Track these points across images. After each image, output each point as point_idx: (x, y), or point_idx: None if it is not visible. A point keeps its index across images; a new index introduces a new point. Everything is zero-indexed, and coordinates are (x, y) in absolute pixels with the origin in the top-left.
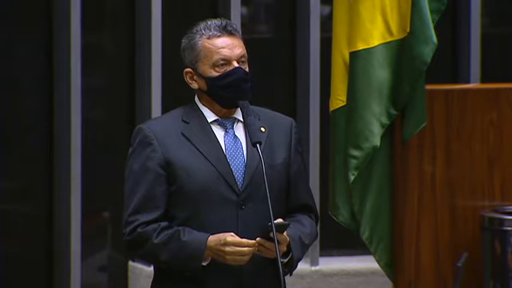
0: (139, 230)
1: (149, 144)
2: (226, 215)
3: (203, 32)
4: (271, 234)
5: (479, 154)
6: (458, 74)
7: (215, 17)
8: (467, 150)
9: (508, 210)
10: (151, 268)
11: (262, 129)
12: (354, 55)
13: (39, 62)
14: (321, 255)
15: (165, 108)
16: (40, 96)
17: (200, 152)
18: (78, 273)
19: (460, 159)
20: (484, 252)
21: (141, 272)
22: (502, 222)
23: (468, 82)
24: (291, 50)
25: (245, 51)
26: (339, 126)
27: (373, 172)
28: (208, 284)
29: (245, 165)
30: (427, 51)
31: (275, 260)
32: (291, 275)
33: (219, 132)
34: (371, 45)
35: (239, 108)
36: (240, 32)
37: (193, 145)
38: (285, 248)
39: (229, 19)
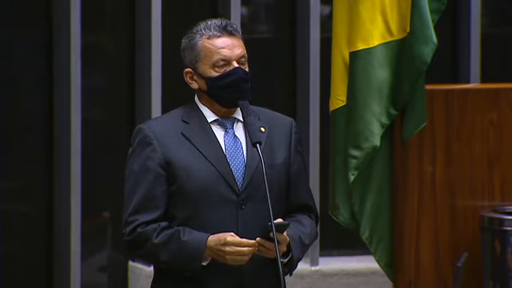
0: (139, 230)
1: (149, 144)
2: (226, 215)
3: (203, 32)
4: (271, 234)
5: (479, 154)
6: (458, 74)
7: (215, 17)
8: (467, 150)
9: (508, 210)
10: (151, 268)
11: (262, 129)
12: (354, 55)
13: (39, 62)
14: (321, 255)
15: (165, 108)
16: (40, 96)
17: (200, 152)
18: (78, 273)
19: (460, 159)
20: (484, 252)
21: (141, 272)
22: (501, 222)
23: (468, 82)
24: (291, 50)
25: (245, 51)
26: (339, 126)
27: (373, 172)
28: (208, 284)
29: (245, 165)
30: (427, 51)
31: (275, 260)
32: (291, 275)
33: (219, 132)
34: (371, 45)
35: (239, 108)
36: (240, 32)
37: (193, 145)
38: (285, 248)
39: (229, 19)
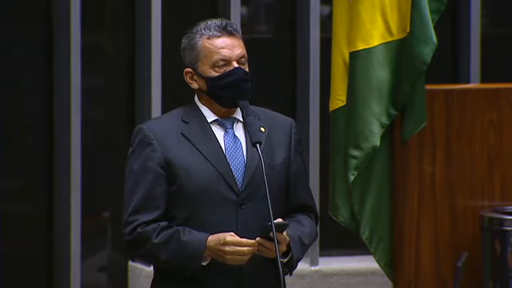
0: (139, 230)
1: (149, 144)
2: (226, 214)
3: (203, 32)
4: (271, 234)
5: (479, 154)
6: (458, 74)
7: (215, 17)
8: (467, 150)
9: (508, 210)
10: (151, 268)
11: (262, 129)
12: (353, 55)
13: (39, 62)
14: (321, 255)
15: (165, 108)
16: (40, 96)
17: (200, 152)
18: (78, 273)
19: (460, 159)
20: (484, 252)
21: (141, 272)
22: (501, 222)
23: (468, 82)
24: (291, 50)
25: (245, 51)
26: (339, 126)
27: (373, 172)
28: (208, 284)
29: (245, 165)
30: (427, 51)
31: (275, 259)
32: (290, 275)
33: (218, 132)
34: (371, 45)
35: (239, 108)
36: (240, 32)
37: (193, 145)
38: (284, 248)
39: (229, 19)
